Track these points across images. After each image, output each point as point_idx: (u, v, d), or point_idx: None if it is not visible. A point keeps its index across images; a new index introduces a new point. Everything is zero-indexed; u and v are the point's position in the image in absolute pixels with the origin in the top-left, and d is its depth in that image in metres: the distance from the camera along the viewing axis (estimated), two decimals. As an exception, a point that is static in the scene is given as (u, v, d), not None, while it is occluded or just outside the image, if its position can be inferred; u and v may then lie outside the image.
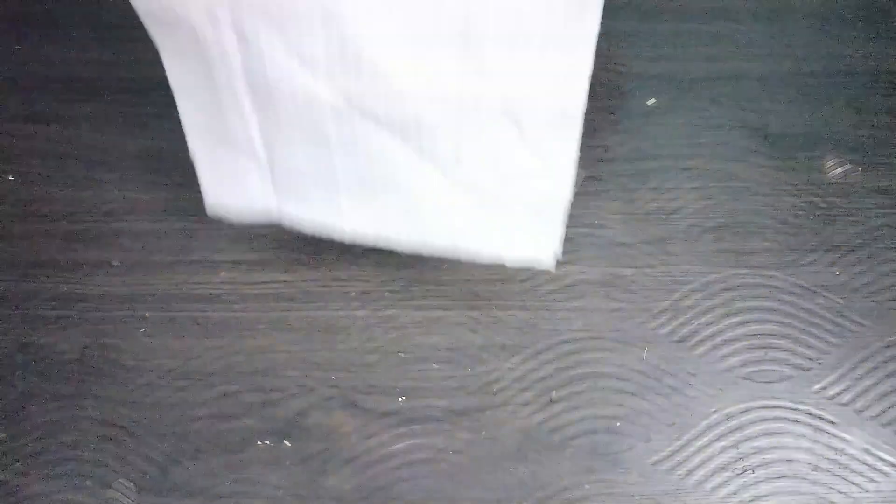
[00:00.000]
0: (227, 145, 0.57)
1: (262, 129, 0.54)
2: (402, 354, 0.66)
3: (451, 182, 0.53)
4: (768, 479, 0.62)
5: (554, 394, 0.65)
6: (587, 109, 0.76)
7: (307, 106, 0.50)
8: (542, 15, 0.44)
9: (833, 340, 0.66)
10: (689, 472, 0.62)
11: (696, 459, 0.63)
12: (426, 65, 0.46)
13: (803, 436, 0.63)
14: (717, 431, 0.64)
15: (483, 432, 0.64)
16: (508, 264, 0.59)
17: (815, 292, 0.68)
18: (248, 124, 0.54)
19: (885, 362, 0.66)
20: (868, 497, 0.62)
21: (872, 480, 0.62)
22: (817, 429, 0.64)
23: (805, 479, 0.62)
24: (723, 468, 0.62)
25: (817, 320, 0.67)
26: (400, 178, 0.53)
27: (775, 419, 0.64)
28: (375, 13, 0.44)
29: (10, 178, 0.74)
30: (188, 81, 0.54)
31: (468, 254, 0.57)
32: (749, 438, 0.63)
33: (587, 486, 0.62)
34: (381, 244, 0.60)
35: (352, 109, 0.49)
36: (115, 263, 0.70)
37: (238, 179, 0.58)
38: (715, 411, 0.64)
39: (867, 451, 0.63)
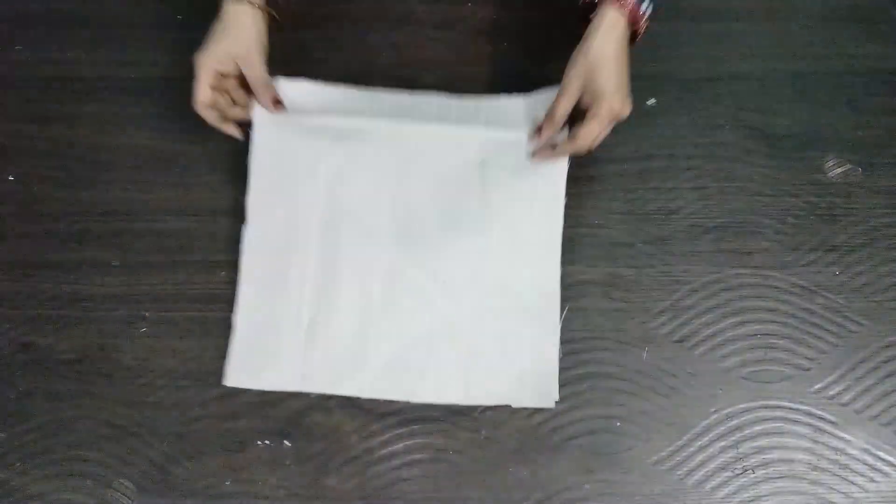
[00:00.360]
0: (273, 310, 0.66)
1: (318, 291, 0.66)
2: (402, 354, 0.66)
3: (469, 328, 0.65)
4: (768, 479, 0.62)
5: (554, 394, 0.65)
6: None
7: (366, 264, 0.66)
8: (524, 217, 0.68)
9: (833, 340, 0.66)
10: (689, 472, 0.62)
11: (696, 459, 0.63)
12: (454, 236, 0.67)
13: (803, 436, 0.63)
14: (717, 431, 0.64)
15: (483, 432, 0.64)
16: (514, 405, 0.64)
17: (815, 292, 0.68)
18: (304, 287, 0.66)
19: (885, 362, 0.66)
20: (868, 497, 0.62)
21: (872, 480, 0.62)
22: (817, 429, 0.64)
23: (805, 479, 0.62)
24: (723, 468, 0.62)
25: (817, 320, 0.67)
26: (426, 330, 0.65)
27: (775, 419, 0.64)
28: (425, 194, 0.68)
29: (10, 178, 0.74)
30: (266, 237, 0.67)
31: (477, 401, 0.64)
32: (749, 438, 0.63)
33: (587, 486, 0.62)
34: (395, 397, 0.64)
35: (399, 261, 0.66)
36: (115, 263, 0.70)
37: (269, 353, 0.65)
38: (715, 411, 0.64)
39: (867, 451, 0.63)
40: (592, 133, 0.65)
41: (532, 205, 0.68)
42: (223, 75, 0.68)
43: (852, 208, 0.71)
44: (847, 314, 0.67)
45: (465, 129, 0.70)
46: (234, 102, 0.70)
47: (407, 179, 0.68)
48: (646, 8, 0.66)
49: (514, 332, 0.65)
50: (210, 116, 0.68)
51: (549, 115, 0.67)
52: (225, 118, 0.69)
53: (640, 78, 0.78)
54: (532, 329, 0.65)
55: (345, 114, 0.70)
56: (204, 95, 0.67)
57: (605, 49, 0.65)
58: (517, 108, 0.71)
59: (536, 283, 0.66)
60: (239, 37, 0.67)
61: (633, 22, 0.65)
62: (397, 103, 0.71)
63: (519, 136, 0.69)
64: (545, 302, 0.66)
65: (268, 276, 0.67)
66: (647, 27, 0.67)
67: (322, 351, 0.65)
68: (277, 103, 0.69)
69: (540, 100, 0.70)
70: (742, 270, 0.69)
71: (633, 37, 0.67)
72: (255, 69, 0.68)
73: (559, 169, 0.68)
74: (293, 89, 0.71)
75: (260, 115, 0.69)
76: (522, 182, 0.68)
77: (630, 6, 0.65)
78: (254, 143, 0.69)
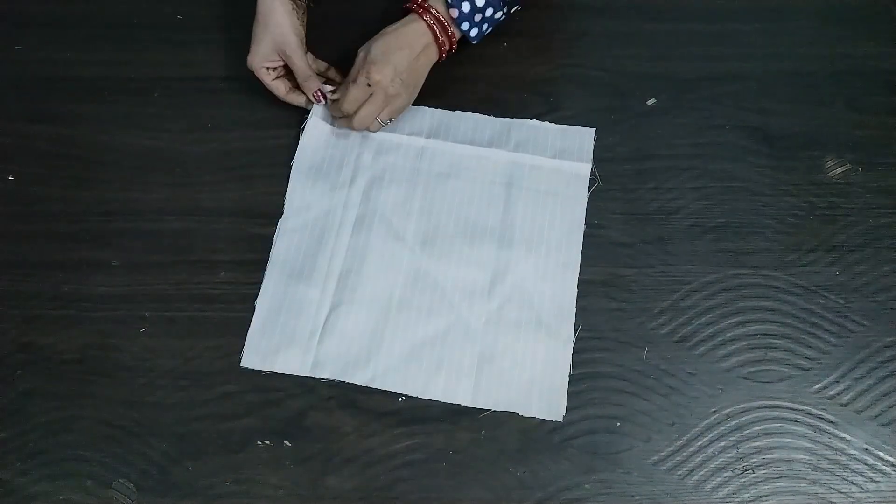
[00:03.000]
0: (295, 296, 0.68)
1: (341, 283, 0.69)
2: (402, 354, 0.66)
3: (484, 334, 0.67)
4: (768, 479, 0.62)
5: (554, 394, 0.65)
6: (587, 109, 0.76)
7: (391, 263, 0.69)
8: (547, 232, 0.71)
9: (833, 340, 0.66)
10: (689, 472, 0.62)
11: (696, 459, 0.63)
12: (478, 247, 0.70)
13: (803, 436, 0.63)
14: (717, 431, 0.63)
15: (483, 432, 0.64)
16: (522, 413, 0.64)
17: (815, 292, 0.68)
18: (329, 278, 0.69)
19: (885, 362, 0.66)
20: (868, 497, 0.62)
21: (872, 480, 0.62)
22: (817, 429, 0.64)
23: (805, 479, 0.62)
24: (723, 468, 0.62)
25: (817, 320, 0.67)
26: (442, 330, 0.67)
27: (775, 419, 0.64)
28: (452, 207, 0.72)
29: (10, 178, 0.74)
30: (300, 229, 0.71)
31: (485, 405, 0.65)
32: (749, 438, 0.63)
33: (587, 486, 0.62)
34: (404, 391, 0.65)
35: (423, 264, 0.69)
36: (115, 263, 0.70)
37: (285, 338, 0.67)
38: (715, 411, 0.64)
39: (867, 451, 0.63)
40: (348, 96, 0.70)
41: (553, 225, 0.71)
42: (274, 69, 0.73)
43: (852, 208, 0.71)
44: (847, 314, 0.67)
45: (496, 151, 0.74)
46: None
47: (437, 192, 0.73)
48: (465, 28, 0.70)
49: (527, 344, 0.67)
50: (299, 100, 0.75)
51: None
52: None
53: (640, 78, 0.78)
54: (546, 342, 0.66)
55: (387, 129, 0.75)
56: (278, 89, 0.74)
57: (392, 38, 0.70)
58: (546, 135, 0.75)
59: (555, 298, 0.68)
60: (275, 32, 0.71)
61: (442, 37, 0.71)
62: (437, 119, 0.76)
63: (545, 162, 0.74)
64: (561, 318, 0.67)
65: (295, 263, 0.70)
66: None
67: (337, 340, 0.67)
68: (323, 94, 0.73)
69: (570, 131, 0.75)
70: (742, 270, 0.69)
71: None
72: (296, 62, 0.72)
73: (581, 191, 0.72)
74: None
75: (312, 123, 0.75)
76: (546, 204, 0.72)
77: (442, 25, 0.70)
78: (302, 145, 0.74)
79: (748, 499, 0.62)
